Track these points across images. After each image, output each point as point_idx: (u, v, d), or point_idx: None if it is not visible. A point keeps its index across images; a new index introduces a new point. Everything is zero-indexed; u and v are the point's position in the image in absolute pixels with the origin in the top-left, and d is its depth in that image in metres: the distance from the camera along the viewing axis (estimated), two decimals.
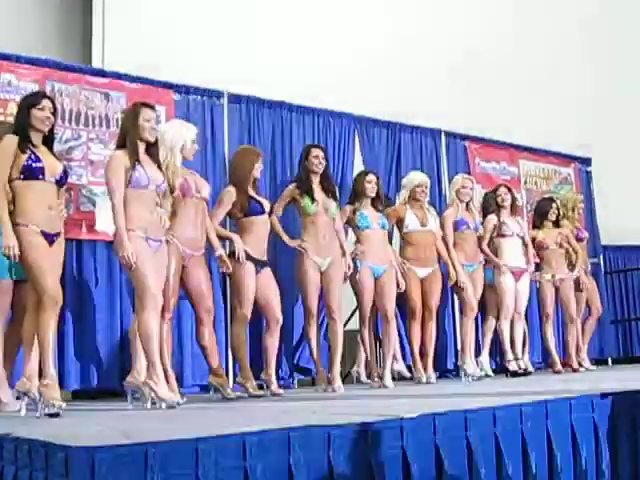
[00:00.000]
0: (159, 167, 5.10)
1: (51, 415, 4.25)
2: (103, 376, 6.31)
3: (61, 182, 4.73)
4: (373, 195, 6.90)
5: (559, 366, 7.98)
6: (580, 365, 8.19)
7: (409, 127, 8.61)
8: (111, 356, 6.36)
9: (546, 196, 8.92)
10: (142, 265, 4.79)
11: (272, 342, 6.26)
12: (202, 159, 6.91)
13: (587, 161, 10.60)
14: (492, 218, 7.77)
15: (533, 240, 8.07)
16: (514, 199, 8.03)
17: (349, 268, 6.59)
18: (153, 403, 4.79)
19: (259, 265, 6.12)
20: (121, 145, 5.00)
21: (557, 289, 8.12)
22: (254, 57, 8.88)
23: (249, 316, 6.11)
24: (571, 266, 8.31)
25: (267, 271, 6.23)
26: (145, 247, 4.85)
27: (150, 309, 4.78)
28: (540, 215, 8.30)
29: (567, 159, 10.35)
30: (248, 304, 6.05)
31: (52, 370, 4.43)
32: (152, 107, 5.11)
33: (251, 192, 6.16)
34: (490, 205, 7.88)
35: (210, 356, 5.83)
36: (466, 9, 10.99)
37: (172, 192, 5.47)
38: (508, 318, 7.66)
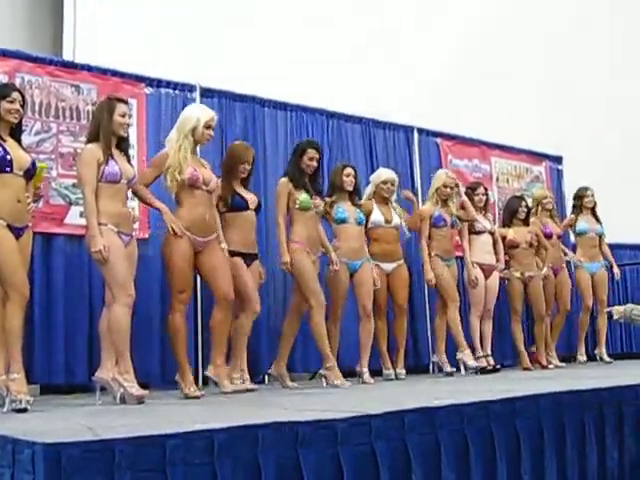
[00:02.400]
0: (129, 161, 5.16)
1: (18, 410, 4.21)
2: (72, 371, 6.26)
3: (29, 175, 4.69)
4: (351, 189, 6.90)
5: (528, 363, 8.02)
6: (549, 362, 8.23)
7: (382, 124, 8.62)
8: (80, 351, 6.31)
9: (517, 194, 8.97)
10: (114, 259, 4.80)
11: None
12: None
13: (558, 159, 10.67)
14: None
15: (503, 238, 8.12)
16: (487, 198, 8.16)
17: (335, 264, 6.57)
18: (122, 399, 4.75)
19: (248, 259, 6.07)
20: (93, 139, 4.99)
21: (526, 286, 8.17)
22: (227, 51, 8.84)
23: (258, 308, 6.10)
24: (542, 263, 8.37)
25: (256, 264, 6.20)
26: (117, 241, 4.87)
27: (121, 303, 4.79)
28: (510, 213, 8.35)
29: (538, 157, 10.43)
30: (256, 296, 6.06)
31: (19, 364, 4.39)
32: (125, 102, 5.13)
33: (237, 187, 6.11)
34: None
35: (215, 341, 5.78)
36: (444, 9, 11.00)
37: (179, 179, 5.38)
38: (478, 314, 7.73)
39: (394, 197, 7.43)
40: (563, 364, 8.40)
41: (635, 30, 11.98)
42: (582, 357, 8.68)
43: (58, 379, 6.22)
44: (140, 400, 4.68)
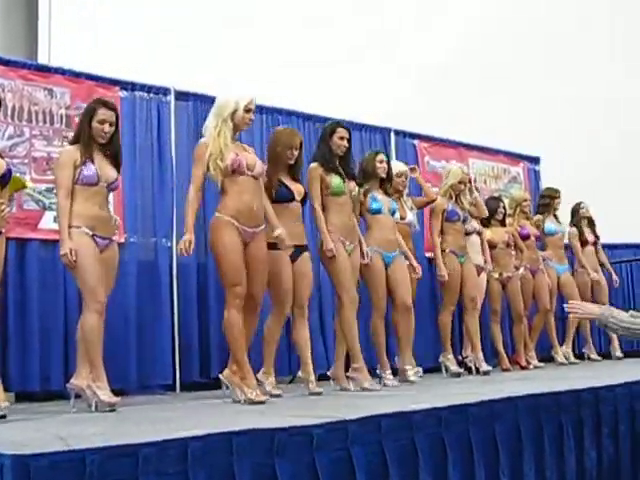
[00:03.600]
0: (115, 165, 5.02)
1: None
2: (47, 377, 6.19)
3: (4, 181, 4.62)
4: (384, 176, 6.58)
5: (507, 364, 8.02)
6: (528, 363, 8.23)
7: (359, 125, 8.57)
8: (56, 357, 6.24)
9: (494, 195, 8.97)
10: (84, 263, 4.69)
11: (303, 334, 5.74)
12: (150, 157, 6.85)
13: (535, 160, 10.70)
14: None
15: None
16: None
17: (367, 256, 6.19)
18: (96, 406, 4.69)
19: (295, 251, 5.66)
20: (75, 140, 4.94)
21: (504, 287, 8.17)
22: (202, 55, 8.80)
23: (288, 309, 5.71)
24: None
25: (305, 257, 5.77)
26: (89, 244, 4.75)
27: (91, 309, 4.69)
28: (488, 214, 8.34)
29: (516, 158, 10.44)
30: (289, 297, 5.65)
31: None
32: (111, 107, 4.97)
33: (283, 176, 5.69)
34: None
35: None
36: (418, 12, 11.01)
37: (222, 166, 5.00)
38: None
39: (406, 191, 7.26)
40: (542, 364, 8.40)
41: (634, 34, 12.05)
42: (559, 357, 8.68)
43: (33, 386, 6.14)
44: (112, 407, 4.59)
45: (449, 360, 7.41)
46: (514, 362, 8.21)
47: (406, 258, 6.75)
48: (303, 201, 5.83)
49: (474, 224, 7.96)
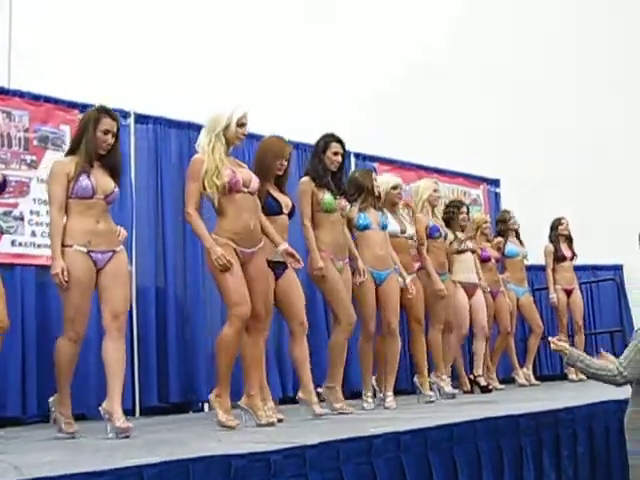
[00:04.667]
0: (113, 176, 4.75)
1: None
2: (3, 404, 6.11)
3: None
4: (377, 194, 6.42)
5: (468, 386, 8.01)
6: (488, 384, 8.22)
7: None
8: (13, 382, 6.15)
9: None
10: (71, 289, 4.47)
11: (301, 351, 5.42)
12: None
13: (495, 182, 10.78)
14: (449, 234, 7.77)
15: None
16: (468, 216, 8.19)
17: (363, 274, 5.99)
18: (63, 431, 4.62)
19: (279, 268, 5.37)
20: (72, 150, 4.70)
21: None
22: (161, 77, 8.77)
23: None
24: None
25: (289, 273, 5.44)
26: (81, 267, 4.50)
27: (66, 336, 4.56)
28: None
29: (476, 180, 10.51)
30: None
31: None
32: (113, 118, 4.73)
33: (271, 188, 5.43)
34: (448, 220, 7.92)
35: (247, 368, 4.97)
36: (379, 36, 11.07)
37: (219, 184, 4.73)
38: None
39: (401, 203, 7.07)
40: (503, 386, 8.42)
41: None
42: (520, 379, 8.71)
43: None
44: (125, 433, 4.37)
45: (443, 381, 7.13)
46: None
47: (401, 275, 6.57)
48: (290, 214, 5.55)
49: (468, 242, 7.95)
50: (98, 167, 4.66)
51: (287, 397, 7.25)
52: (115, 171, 4.79)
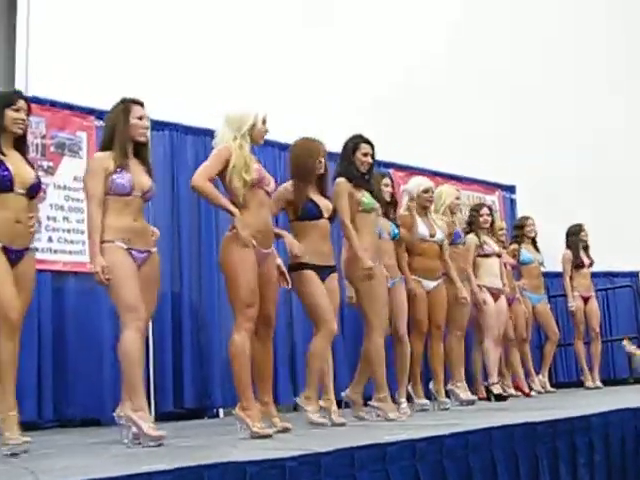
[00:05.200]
0: (149, 172, 4.59)
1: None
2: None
3: (33, 191, 4.31)
4: (389, 200, 6.42)
5: (484, 393, 7.97)
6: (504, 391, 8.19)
7: (334, 155, 8.56)
8: (30, 386, 6.18)
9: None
10: (120, 279, 4.26)
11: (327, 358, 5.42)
12: None
13: (511, 188, 10.76)
14: (473, 238, 7.77)
15: None
16: (493, 219, 8.13)
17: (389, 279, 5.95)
18: (135, 438, 4.26)
19: (324, 272, 5.25)
20: (106, 146, 4.50)
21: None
22: (178, 84, 8.82)
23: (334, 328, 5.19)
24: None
25: (333, 278, 5.36)
26: (124, 260, 4.33)
27: (131, 327, 4.23)
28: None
29: (491, 186, 10.50)
30: (330, 314, 5.15)
31: None
32: (141, 104, 4.58)
33: (311, 191, 5.30)
34: (472, 223, 7.92)
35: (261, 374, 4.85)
36: (392, 40, 11.08)
37: (248, 180, 4.58)
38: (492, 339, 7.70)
39: (432, 207, 6.98)
40: (519, 393, 8.38)
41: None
42: (536, 386, 8.68)
43: None
44: (158, 441, 4.11)
45: (459, 388, 7.09)
46: (515, 388, 8.24)
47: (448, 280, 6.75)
48: (331, 219, 5.41)
49: (494, 246, 7.92)
50: (135, 163, 4.52)
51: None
52: (149, 166, 4.63)
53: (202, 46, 9.49)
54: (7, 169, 4.16)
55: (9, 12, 9.20)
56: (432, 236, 6.72)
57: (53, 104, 6.76)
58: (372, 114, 10.19)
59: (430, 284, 6.69)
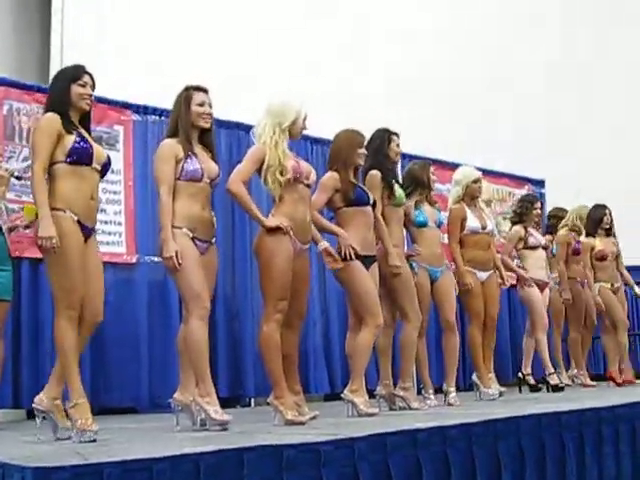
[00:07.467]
0: (214, 158, 4.58)
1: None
2: None
3: (105, 170, 4.31)
4: (434, 188, 6.40)
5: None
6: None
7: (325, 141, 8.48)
8: None
9: (599, 202, 8.51)
10: (188, 267, 4.26)
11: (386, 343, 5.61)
12: None
13: (540, 183, 10.79)
14: (520, 230, 7.74)
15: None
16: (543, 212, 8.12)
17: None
18: (202, 424, 4.37)
19: (367, 261, 5.22)
20: (172, 134, 4.50)
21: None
22: (213, 78, 8.92)
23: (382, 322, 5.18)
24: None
25: (375, 267, 5.32)
26: (191, 247, 4.32)
27: (197, 316, 4.26)
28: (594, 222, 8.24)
29: (521, 181, 10.54)
30: (377, 307, 5.14)
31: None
32: (204, 90, 4.59)
33: (353, 180, 5.31)
34: (522, 215, 7.84)
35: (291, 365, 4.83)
36: (396, 34, 11.07)
37: (282, 174, 4.59)
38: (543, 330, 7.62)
39: (481, 197, 6.89)
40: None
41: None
42: (564, 378, 8.55)
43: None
44: (224, 426, 4.18)
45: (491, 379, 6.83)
46: (610, 379, 8.15)
47: (496, 269, 6.76)
48: (373, 206, 5.42)
49: (539, 237, 7.87)
50: (201, 149, 4.52)
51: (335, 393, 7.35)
52: (214, 152, 4.64)
53: (213, 40, 9.54)
54: (88, 142, 4.14)
55: (44, 5, 9.34)
56: (483, 228, 6.70)
57: None
58: (408, 107, 10.23)
59: (483, 275, 6.65)
